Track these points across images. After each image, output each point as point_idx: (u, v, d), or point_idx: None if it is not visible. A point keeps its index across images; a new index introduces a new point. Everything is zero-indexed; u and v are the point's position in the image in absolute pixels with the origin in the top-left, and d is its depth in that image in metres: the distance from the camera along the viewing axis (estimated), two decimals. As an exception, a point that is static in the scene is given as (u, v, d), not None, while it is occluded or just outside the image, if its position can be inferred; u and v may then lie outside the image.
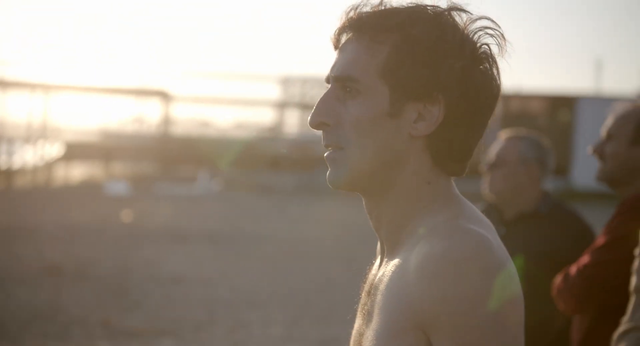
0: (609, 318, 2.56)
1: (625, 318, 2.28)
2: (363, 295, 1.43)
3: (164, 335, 7.16)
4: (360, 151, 1.34)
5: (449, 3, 1.35)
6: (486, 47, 1.33)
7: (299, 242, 13.60)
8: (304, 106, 41.54)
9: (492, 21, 1.34)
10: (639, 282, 2.24)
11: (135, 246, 12.21)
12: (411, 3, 1.36)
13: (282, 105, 41.15)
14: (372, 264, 1.48)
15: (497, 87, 1.34)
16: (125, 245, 12.30)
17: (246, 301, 8.68)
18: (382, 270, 1.37)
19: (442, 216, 1.32)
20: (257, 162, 27.82)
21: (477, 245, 1.25)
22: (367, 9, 1.36)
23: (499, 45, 1.33)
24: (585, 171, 21.78)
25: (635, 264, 2.29)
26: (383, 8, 1.35)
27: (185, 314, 7.95)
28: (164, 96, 34.22)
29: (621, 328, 2.27)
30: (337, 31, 1.38)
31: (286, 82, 41.31)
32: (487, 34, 1.33)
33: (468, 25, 1.33)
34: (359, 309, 1.43)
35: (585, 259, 2.69)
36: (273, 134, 37.60)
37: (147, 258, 11.15)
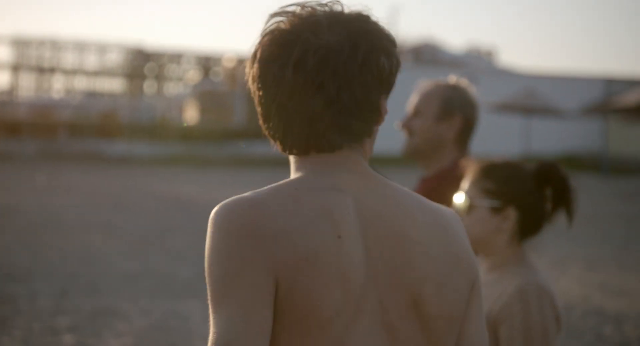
0: None
1: None
2: None
3: None
4: None
5: None
6: None
7: (51, 212, 13.16)
8: (40, 69, 39.73)
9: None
10: None
11: None
12: None
13: (15, 68, 39.07)
14: None
15: None
16: None
17: (6, 275, 8.33)
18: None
19: None
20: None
21: None
22: None
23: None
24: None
25: None
26: None
27: (-58, 292, 7.51)
28: None
29: None
30: None
31: (19, 43, 39.23)
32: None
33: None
34: None
35: None
36: (8, 98, 35.63)
37: None
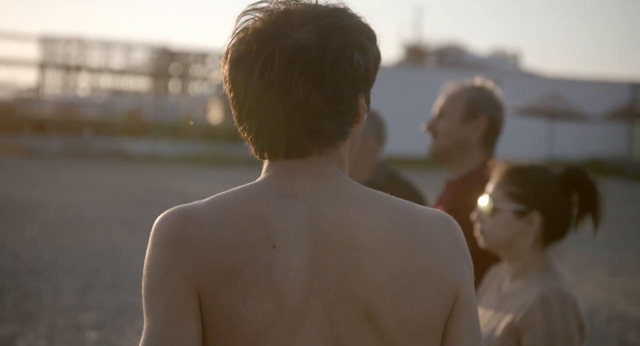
0: None
1: None
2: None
3: (-52, 308, 6.81)
4: None
5: None
6: None
7: (75, 208, 13.25)
8: (66, 67, 40.01)
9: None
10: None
11: None
12: None
13: (42, 66, 39.37)
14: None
15: None
16: None
17: (31, 270, 8.39)
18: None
19: None
20: (19, 124, 26.55)
21: None
22: None
23: None
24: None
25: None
26: None
27: (-33, 286, 7.59)
28: None
29: None
30: None
31: (46, 42, 39.53)
32: None
33: None
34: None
35: None
36: (34, 95, 35.91)
37: None
